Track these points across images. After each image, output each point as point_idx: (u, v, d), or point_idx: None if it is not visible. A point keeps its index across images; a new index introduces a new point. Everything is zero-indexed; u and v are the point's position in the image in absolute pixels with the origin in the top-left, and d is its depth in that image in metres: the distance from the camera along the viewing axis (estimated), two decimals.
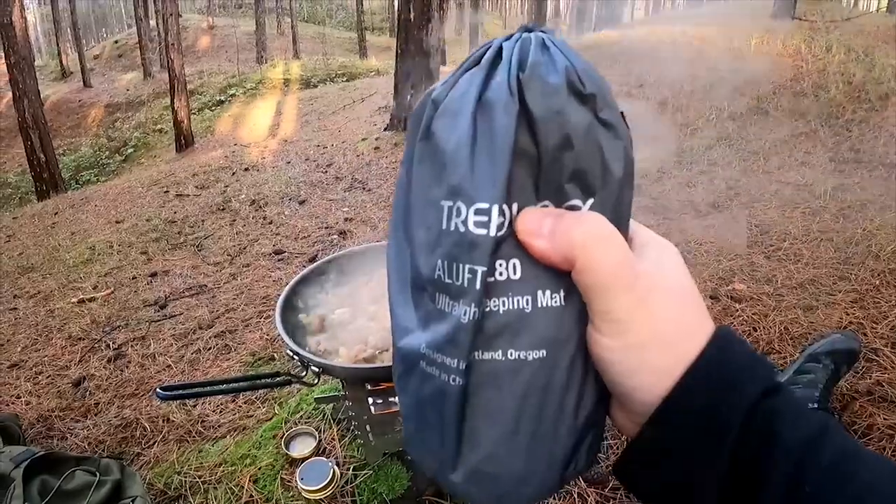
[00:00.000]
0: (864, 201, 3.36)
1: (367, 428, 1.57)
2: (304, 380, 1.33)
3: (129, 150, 16.16)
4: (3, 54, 9.98)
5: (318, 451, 1.78)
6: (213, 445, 2.04)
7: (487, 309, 0.36)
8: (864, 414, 1.82)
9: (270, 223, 4.86)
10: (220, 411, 2.28)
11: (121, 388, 2.67)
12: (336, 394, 1.70)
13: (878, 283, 2.53)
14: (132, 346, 3.06)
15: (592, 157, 0.36)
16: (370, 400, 1.48)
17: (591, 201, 0.37)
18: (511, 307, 0.36)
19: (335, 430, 1.84)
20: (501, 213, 0.35)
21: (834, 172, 3.88)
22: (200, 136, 13.95)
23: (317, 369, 1.31)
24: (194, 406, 2.33)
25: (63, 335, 3.34)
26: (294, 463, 1.75)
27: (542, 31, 0.38)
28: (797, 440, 0.33)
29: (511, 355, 0.36)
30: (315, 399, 1.85)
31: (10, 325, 3.68)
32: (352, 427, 1.77)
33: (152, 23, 22.40)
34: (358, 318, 1.47)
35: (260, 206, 5.37)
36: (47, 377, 2.89)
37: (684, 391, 0.35)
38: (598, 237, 0.35)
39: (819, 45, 6.97)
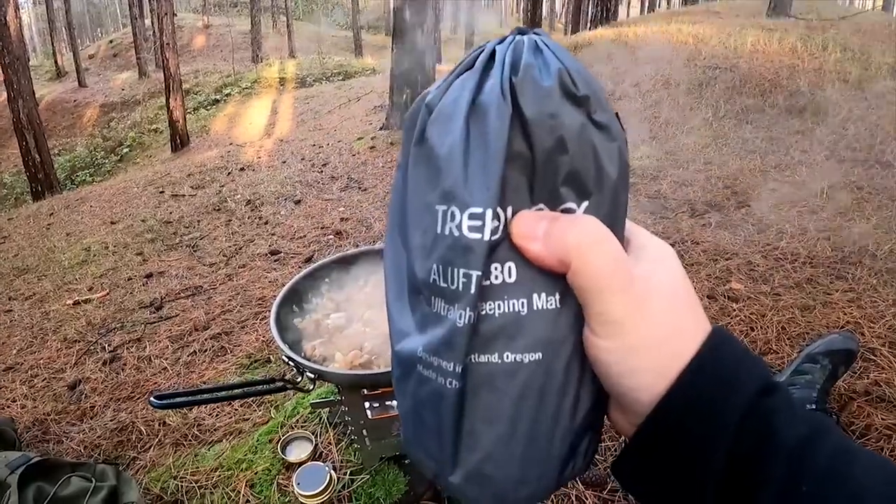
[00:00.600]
0: (860, 200, 3.37)
1: (364, 433, 1.56)
2: (300, 385, 1.33)
3: (125, 150, 16.15)
4: None
5: (315, 456, 1.77)
6: (209, 449, 2.03)
7: (483, 312, 0.36)
8: (861, 414, 1.82)
9: (266, 223, 4.84)
10: (217, 415, 2.27)
11: (116, 391, 2.66)
12: (332, 398, 1.69)
13: (875, 282, 2.53)
14: (128, 348, 3.05)
15: (587, 160, 0.36)
16: (366, 405, 1.47)
17: (585, 204, 0.37)
18: (506, 310, 0.36)
19: (332, 434, 1.83)
20: (496, 216, 0.35)
21: (830, 171, 3.88)
22: (196, 135, 13.93)
23: (312, 375, 1.30)
24: (190, 410, 2.32)
25: (58, 337, 3.32)
26: (290, 467, 1.74)
27: (535, 34, 0.38)
28: (794, 439, 0.33)
29: (507, 358, 0.36)
30: (311, 404, 1.84)
31: (6, 327, 3.66)
32: (348, 431, 1.76)
33: (147, 22, 22.41)
34: (353, 323, 1.47)
35: (256, 207, 5.35)
36: (43, 380, 2.87)
37: (681, 391, 0.35)
38: (592, 240, 0.35)
39: (815, 43, 6.98)
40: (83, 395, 2.67)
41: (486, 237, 0.35)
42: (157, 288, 3.84)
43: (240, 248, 4.34)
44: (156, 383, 2.67)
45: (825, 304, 2.42)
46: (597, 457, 1.50)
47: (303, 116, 12.83)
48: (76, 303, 3.83)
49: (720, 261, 2.86)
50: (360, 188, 5.39)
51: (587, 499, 1.58)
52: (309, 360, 1.30)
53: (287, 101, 15.18)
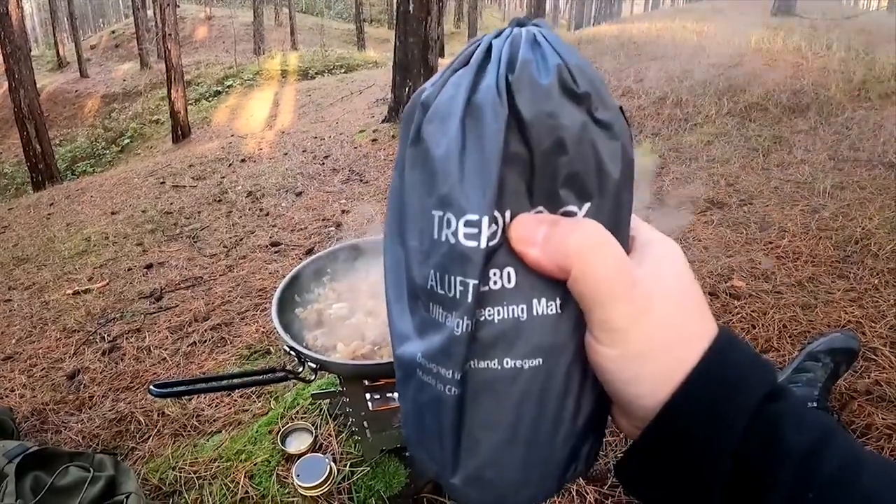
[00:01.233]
0: (863, 200, 3.35)
1: (365, 424, 1.56)
2: (301, 376, 1.32)
3: (126, 141, 16.13)
4: None
5: (315, 447, 1.76)
6: (208, 440, 2.03)
7: (482, 318, 0.35)
8: (862, 413, 1.82)
9: (267, 215, 4.84)
10: (216, 406, 2.27)
11: (115, 381, 2.65)
12: (333, 389, 1.69)
13: (877, 282, 2.53)
14: (127, 338, 3.04)
15: (587, 161, 0.35)
16: (368, 396, 1.47)
17: (587, 206, 0.36)
18: (506, 316, 0.35)
19: (332, 425, 1.83)
20: (494, 221, 0.34)
21: (833, 170, 3.87)
22: (197, 127, 13.91)
23: (314, 365, 1.29)
24: (189, 400, 2.32)
25: (58, 327, 3.32)
26: (290, 459, 1.74)
27: (534, 25, 0.37)
28: (802, 444, 0.32)
29: (507, 364, 0.36)
30: (312, 395, 1.84)
31: (5, 317, 3.66)
32: (349, 423, 1.76)
33: (150, 13, 22.32)
34: (356, 313, 1.46)
35: (256, 198, 5.34)
36: (42, 370, 2.87)
37: (686, 395, 0.34)
38: (592, 245, 0.34)
39: (819, 42, 6.96)
40: (82, 385, 2.67)
41: (483, 245, 0.34)
42: (157, 278, 3.84)
43: (240, 240, 4.33)
44: (155, 374, 2.67)
45: (827, 303, 2.41)
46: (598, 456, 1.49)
47: (305, 109, 12.81)
48: (76, 293, 3.82)
49: (722, 258, 2.86)
50: (361, 180, 5.38)
51: (588, 494, 1.58)
52: (310, 349, 1.30)
53: (289, 93, 15.15)
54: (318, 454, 1.66)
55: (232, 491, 1.71)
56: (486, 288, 0.35)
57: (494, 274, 0.35)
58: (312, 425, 1.83)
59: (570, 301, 0.36)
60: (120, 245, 4.73)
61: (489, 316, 0.35)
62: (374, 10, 39.53)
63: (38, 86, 10.55)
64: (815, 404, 1.71)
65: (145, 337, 3.02)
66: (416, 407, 0.40)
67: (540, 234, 0.34)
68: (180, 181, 6.41)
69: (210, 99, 16.90)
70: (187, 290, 3.55)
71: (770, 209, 3.38)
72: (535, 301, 0.35)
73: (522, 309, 0.35)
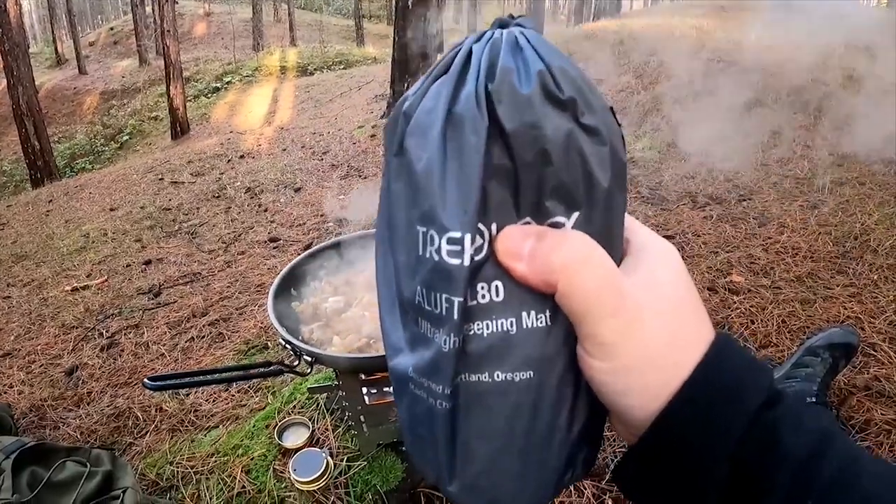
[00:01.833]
0: (862, 196, 3.35)
1: (361, 418, 1.55)
2: (297, 369, 1.32)
3: (125, 138, 16.11)
4: None
5: (312, 442, 1.76)
6: (205, 435, 2.02)
7: (471, 332, 0.35)
8: (861, 409, 1.82)
9: (265, 211, 4.83)
10: (213, 401, 2.27)
11: (113, 376, 2.65)
12: (330, 383, 1.68)
13: (876, 278, 2.52)
14: (125, 334, 3.04)
15: (574, 170, 0.34)
16: (364, 390, 1.47)
17: (575, 215, 0.35)
18: (495, 330, 0.35)
19: (329, 420, 1.82)
20: (480, 234, 0.34)
21: (833, 166, 3.86)
22: (196, 123, 13.89)
23: (310, 359, 1.29)
24: (187, 395, 2.32)
25: (56, 324, 3.32)
26: (287, 453, 1.74)
27: (518, 25, 0.36)
28: (799, 448, 0.32)
29: (498, 377, 0.35)
30: (308, 389, 1.84)
31: (3, 313, 3.66)
32: (346, 417, 1.76)
33: (148, 9, 22.33)
34: (352, 307, 1.46)
35: (255, 194, 5.34)
36: (40, 366, 2.87)
37: (683, 404, 0.34)
38: (578, 260, 0.34)
39: (820, 38, 6.94)
40: (80, 381, 2.67)
41: (467, 262, 0.33)
42: (155, 274, 3.83)
43: (239, 236, 4.32)
44: (153, 369, 2.67)
45: (826, 299, 2.41)
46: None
47: (303, 105, 12.79)
48: (74, 289, 3.82)
49: (721, 253, 2.85)
50: (360, 176, 5.37)
51: (586, 489, 1.58)
52: (306, 343, 1.29)
53: (288, 89, 15.13)
54: (315, 448, 1.66)
55: (229, 486, 1.71)
56: (475, 302, 0.35)
57: (482, 288, 0.35)
58: (309, 420, 1.83)
59: (559, 313, 0.35)
60: (118, 241, 4.72)
61: (478, 330, 0.35)
62: (373, 6, 39.48)
63: (36, 83, 10.54)
64: (813, 399, 1.71)
65: (143, 333, 3.01)
66: (410, 417, 0.39)
67: (526, 248, 0.34)
68: (179, 177, 6.40)
69: (209, 95, 16.88)
70: (186, 286, 3.55)
71: (769, 204, 3.37)
72: (524, 314, 0.35)
73: (511, 322, 0.35)
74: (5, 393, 2.63)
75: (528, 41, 0.34)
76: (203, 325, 2.95)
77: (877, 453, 1.67)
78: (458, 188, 0.33)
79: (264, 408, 2.06)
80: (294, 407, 1.95)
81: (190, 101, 14.87)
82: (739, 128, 4.89)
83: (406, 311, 0.38)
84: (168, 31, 11.61)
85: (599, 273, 0.34)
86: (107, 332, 3.11)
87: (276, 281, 1.48)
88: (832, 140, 4.36)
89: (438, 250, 0.34)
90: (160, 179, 6.45)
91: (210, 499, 1.69)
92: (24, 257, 4.83)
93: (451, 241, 0.33)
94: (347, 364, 1.31)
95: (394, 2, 7.73)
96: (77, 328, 3.22)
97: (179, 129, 12.59)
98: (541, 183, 0.34)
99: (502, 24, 0.37)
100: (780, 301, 2.41)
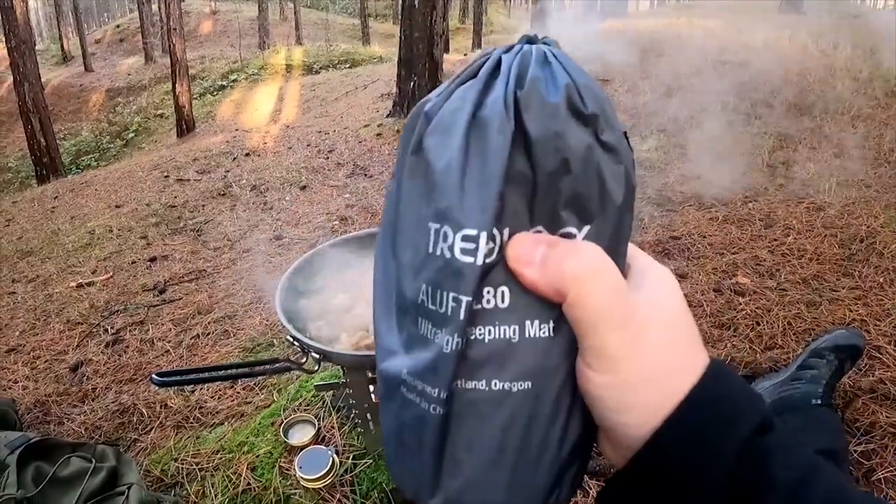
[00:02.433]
0: (868, 198, 3.34)
1: (368, 416, 1.55)
2: (304, 366, 1.32)
3: (130, 135, 16.13)
4: (3, 38, 9.93)
5: (318, 440, 1.77)
6: (210, 432, 2.03)
7: (473, 337, 0.35)
8: (866, 412, 1.81)
9: (271, 209, 4.84)
10: (219, 397, 2.27)
11: (118, 373, 2.66)
12: (336, 381, 1.68)
13: (882, 280, 2.51)
14: (130, 330, 3.05)
15: (591, 183, 0.34)
16: (371, 388, 1.47)
17: (587, 228, 0.35)
18: (497, 336, 0.35)
19: (335, 417, 1.83)
20: (492, 238, 0.33)
21: (839, 168, 3.85)
22: (201, 121, 13.90)
23: (318, 356, 1.29)
24: (192, 392, 2.32)
25: (61, 320, 3.33)
26: (293, 451, 1.74)
27: (545, 43, 0.37)
28: (790, 476, 0.33)
29: (495, 386, 0.35)
30: (315, 386, 1.84)
31: (9, 309, 3.67)
32: (352, 415, 1.76)
33: (154, 7, 22.32)
34: (359, 304, 1.46)
35: (261, 192, 5.35)
36: (45, 362, 2.88)
37: (674, 428, 0.34)
38: (591, 270, 0.34)
39: (826, 40, 6.92)
40: (85, 377, 2.67)
41: (479, 261, 0.33)
42: (160, 271, 3.84)
43: (244, 233, 4.33)
44: (158, 366, 2.68)
45: (831, 301, 2.40)
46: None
47: (309, 103, 12.79)
48: (79, 285, 3.83)
49: (727, 254, 2.85)
50: (365, 175, 5.38)
51: (592, 488, 1.58)
52: (314, 340, 1.29)
53: (293, 87, 15.13)
54: (321, 446, 1.67)
55: (234, 483, 1.71)
56: (479, 306, 0.34)
57: (488, 292, 0.35)
58: (315, 417, 1.83)
59: (563, 325, 0.35)
60: (124, 238, 4.73)
61: (480, 335, 0.35)
62: (379, 6, 39.48)
63: (42, 80, 10.55)
64: (819, 401, 1.70)
65: (148, 329, 3.02)
66: (398, 424, 0.38)
67: (538, 255, 0.34)
68: (184, 175, 6.41)
69: (214, 93, 16.88)
70: (191, 283, 3.56)
71: (775, 206, 3.37)
72: (528, 322, 0.35)
73: (515, 330, 0.35)
74: (10, 388, 2.64)
75: (556, 57, 0.35)
76: (208, 323, 2.96)
77: (882, 457, 1.67)
78: (479, 188, 0.33)
79: (270, 405, 2.07)
80: (300, 404, 1.96)
81: (196, 98, 14.88)
82: (746, 128, 4.88)
83: (406, 312, 0.38)
84: (174, 28, 11.62)
85: (610, 285, 0.34)
86: (112, 328, 3.11)
87: (283, 278, 1.48)
88: (837, 142, 4.34)
89: (451, 247, 0.34)
90: (166, 177, 6.45)
91: (215, 496, 1.69)
92: (29, 253, 4.84)
93: (465, 239, 0.33)
94: (355, 361, 1.31)
95: (400, 1, 7.72)
96: (82, 324, 3.23)
97: (185, 126, 12.59)
98: (558, 192, 0.34)
99: (530, 41, 0.37)
100: (786, 303, 2.40)
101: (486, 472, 0.36)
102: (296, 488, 1.63)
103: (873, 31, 7.70)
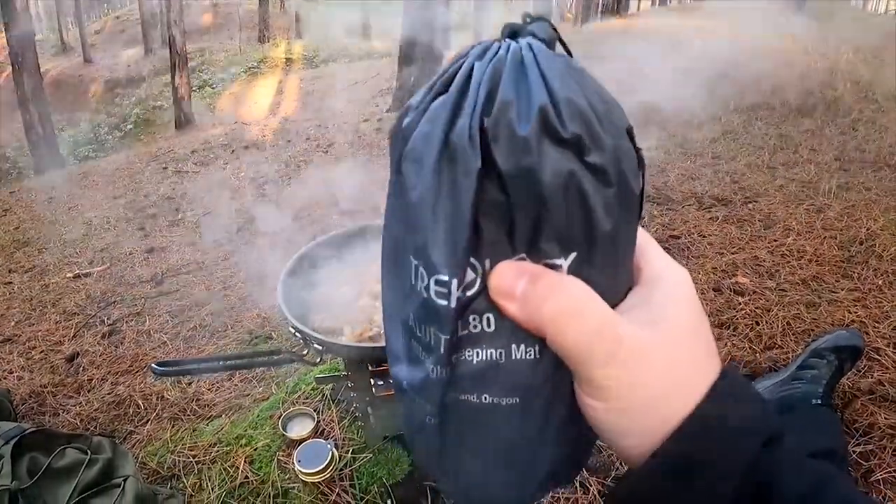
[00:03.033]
0: (868, 201, 3.33)
1: (369, 410, 1.55)
2: (306, 358, 1.31)
3: (129, 127, 16.09)
4: (3, 28, 9.87)
5: (317, 433, 1.76)
6: (207, 424, 2.02)
7: (462, 358, 0.35)
8: (865, 413, 1.81)
9: (270, 202, 4.82)
10: (216, 390, 2.26)
11: (115, 364, 2.65)
12: (337, 374, 1.68)
13: (881, 282, 2.51)
14: (127, 322, 3.04)
15: (572, 213, 0.32)
16: (372, 381, 1.46)
17: (573, 256, 0.33)
18: (484, 358, 0.35)
19: (334, 411, 1.82)
20: (473, 269, 0.33)
21: (839, 171, 3.84)
22: (201, 113, 13.85)
23: (319, 347, 1.28)
24: (189, 384, 2.31)
25: (57, 310, 3.31)
26: (291, 444, 1.73)
27: (530, 34, 0.34)
28: (799, 488, 0.33)
29: (485, 399, 0.36)
30: (315, 379, 1.83)
31: (5, 299, 3.65)
32: (352, 409, 1.75)
33: None
34: (362, 297, 1.45)
35: (259, 185, 5.33)
36: (40, 352, 2.86)
37: (678, 446, 0.33)
38: (568, 313, 0.32)
39: (827, 43, 6.92)
40: (81, 368, 2.66)
41: (453, 304, 0.33)
42: (158, 263, 3.83)
43: (242, 226, 4.32)
44: (155, 357, 2.67)
45: (830, 302, 2.40)
46: (599, 445, 1.48)
47: (308, 97, 12.77)
48: (76, 276, 3.81)
49: (726, 254, 2.84)
50: (365, 170, 5.36)
51: (591, 485, 1.57)
52: (316, 332, 1.28)
53: (293, 81, 15.11)
54: (320, 440, 1.66)
55: (231, 476, 1.70)
56: (466, 332, 0.34)
57: (474, 319, 0.34)
58: (314, 410, 1.82)
59: (549, 349, 0.34)
60: (121, 229, 4.72)
61: (468, 356, 0.35)
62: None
63: (41, 70, 10.50)
64: (819, 401, 1.70)
65: (145, 321, 3.01)
66: (408, 422, 0.41)
67: (518, 289, 0.32)
68: (183, 167, 6.40)
69: (214, 86, 16.86)
70: (188, 275, 3.55)
71: (775, 207, 3.36)
72: (513, 346, 0.34)
73: (501, 353, 0.34)
74: (5, 378, 2.63)
75: (536, 61, 0.32)
76: (205, 315, 2.95)
77: (881, 458, 1.67)
78: (450, 225, 0.32)
79: (268, 398, 2.06)
80: (299, 397, 1.95)
81: (195, 91, 14.85)
82: (746, 129, 4.88)
83: (405, 327, 0.38)
84: (174, 20, 11.58)
85: (591, 325, 0.33)
86: (108, 319, 3.10)
87: (285, 270, 1.47)
88: (838, 144, 4.34)
89: (427, 288, 0.34)
90: (164, 168, 6.44)
91: (212, 489, 1.68)
92: (26, 243, 4.82)
93: (438, 283, 0.33)
94: (358, 353, 1.30)
95: None
96: (78, 315, 3.22)
97: (184, 118, 12.55)
98: (536, 224, 0.32)
99: (512, 34, 0.34)
100: (786, 303, 2.40)
101: (483, 472, 0.39)
102: (294, 482, 1.62)
103: (875, 33, 7.71)
